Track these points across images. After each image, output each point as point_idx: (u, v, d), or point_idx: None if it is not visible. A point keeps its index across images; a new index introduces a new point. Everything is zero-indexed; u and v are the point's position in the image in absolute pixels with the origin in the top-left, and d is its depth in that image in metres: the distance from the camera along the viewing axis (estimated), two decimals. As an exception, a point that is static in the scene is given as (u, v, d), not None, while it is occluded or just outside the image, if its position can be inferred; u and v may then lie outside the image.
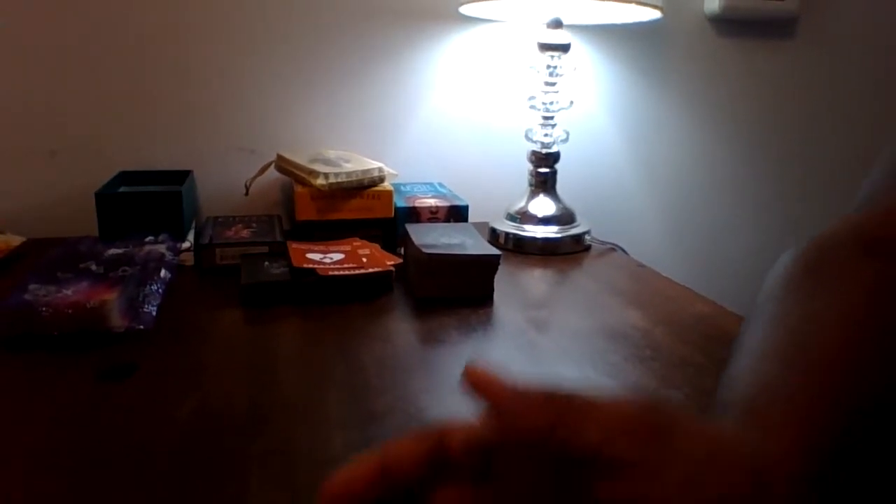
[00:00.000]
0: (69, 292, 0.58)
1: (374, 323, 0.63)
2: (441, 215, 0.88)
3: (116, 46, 0.91)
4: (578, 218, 0.95)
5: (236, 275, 0.71)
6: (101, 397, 0.48)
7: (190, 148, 0.96)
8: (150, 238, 0.74)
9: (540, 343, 0.60)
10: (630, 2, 0.86)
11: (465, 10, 0.95)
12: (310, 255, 0.73)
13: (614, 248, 0.93)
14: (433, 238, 0.73)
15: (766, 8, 1.12)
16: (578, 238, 0.92)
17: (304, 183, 0.85)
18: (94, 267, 0.65)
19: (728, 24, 1.13)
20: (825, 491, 0.28)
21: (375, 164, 0.88)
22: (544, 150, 0.94)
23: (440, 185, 1.01)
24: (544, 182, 0.95)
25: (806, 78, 1.18)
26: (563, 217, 0.93)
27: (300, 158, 0.88)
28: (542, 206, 0.94)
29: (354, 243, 0.79)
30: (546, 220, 0.92)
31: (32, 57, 0.89)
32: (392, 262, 0.73)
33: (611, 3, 0.86)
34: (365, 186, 0.85)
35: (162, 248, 0.72)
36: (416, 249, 0.69)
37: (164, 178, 0.90)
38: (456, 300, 0.68)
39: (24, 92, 0.90)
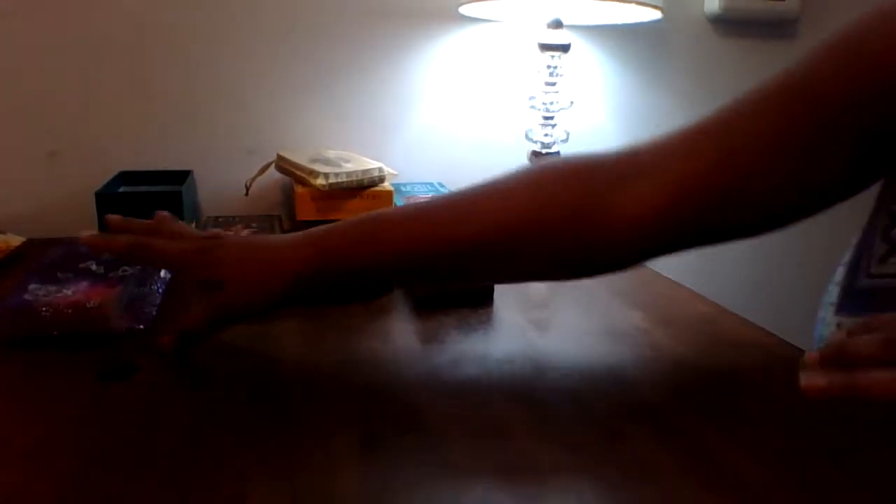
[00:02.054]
0: (69, 292, 0.58)
1: (374, 323, 0.63)
2: (441, 215, 0.87)
3: (117, 46, 0.91)
4: (578, 218, 0.95)
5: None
6: (101, 397, 0.48)
7: (190, 148, 0.96)
8: None
9: (540, 343, 0.60)
10: (630, 2, 0.86)
11: (465, 10, 0.95)
12: (310, 255, 0.73)
13: (614, 249, 0.93)
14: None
15: (766, 8, 1.11)
16: (578, 238, 0.92)
17: (304, 183, 0.85)
18: (94, 267, 0.65)
19: (728, 24, 1.13)
20: (317, 280, 0.52)
21: (375, 164, 0.88)
22: (544, 150, 0.94)
23: (440, 185, 1.01)
24: (544, 182, 0.94)
25: (806, 78, 1.18)
26: (564, 217, 0.93)
27: (300, 158, 0.88)
28: (543, 206, 0.93)
29: (354, 243, 0.79)
30: (546, 221, 0.92)
31: (32, 57, 0.89)
32: (392, 262, 0.73)
33: (611, 3, 0.86)
34: (365, 186, 0.85)
35: None
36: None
37: (164, 178, 0.90)
38: (456, 300, 0.68)
39: (24, 92, 0.90)
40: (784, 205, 0.50)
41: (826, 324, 0.52)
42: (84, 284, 0.60)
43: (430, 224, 0.52)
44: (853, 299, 0.49)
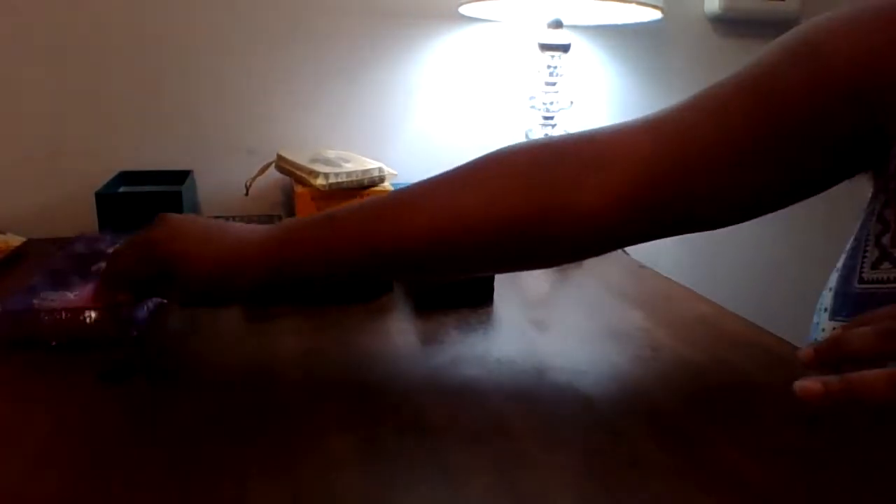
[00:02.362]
0: (72, 296, 0.58)
1: (374, 323, 0.63)
2: (441, 215, 0.87)
3: (117, 46, 0.91)
4: (578, 218, 0.95)
5: (236, 275, 0.70)
6: (101, 398, 0.48)
7: (190, 148, 0.96)
8: None
9: (540, 343, 0.60)
10: (630, 2, 0.86)
11: (464, 10, 0.95)
12: (310, 255, 0.73)
13: (614, 249, 0.93)
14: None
15: (767, 8, 1.12)
16: (578, 238, 0.92)
17: (304, 183, 0.85)
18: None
19: (728, 24, 1.13)
20: (278, 281, 0.51)
21: (375, 164, 0.88)
22: (544, 150, 0.94)
23: (440, 185, 1.01)
24: (544, 182, 0.94)
25: (806, 78, 1.18)
26: (564, 217, 0.93)
27: (300, 158, 0.88)
28: (543, 206, 0.93)
29: (354, 243, 0.79)
30: (546, 221, 0.92)
31: (32, 57, 0.89)
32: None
33: (611, 3, 0.86)
34: (365, 186, 0.85)
35: None
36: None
37: (164, 178, 0.90)
38: (456, 300, 0.68)
39: (24, 92, 0.90)
40: (746, 202, 0.50)
41: (821, 329, 0.52)
42: (90, 288, 0.60)
43: (384, 221, 0.51)
44: (847, 305, 0.49)
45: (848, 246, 0.52)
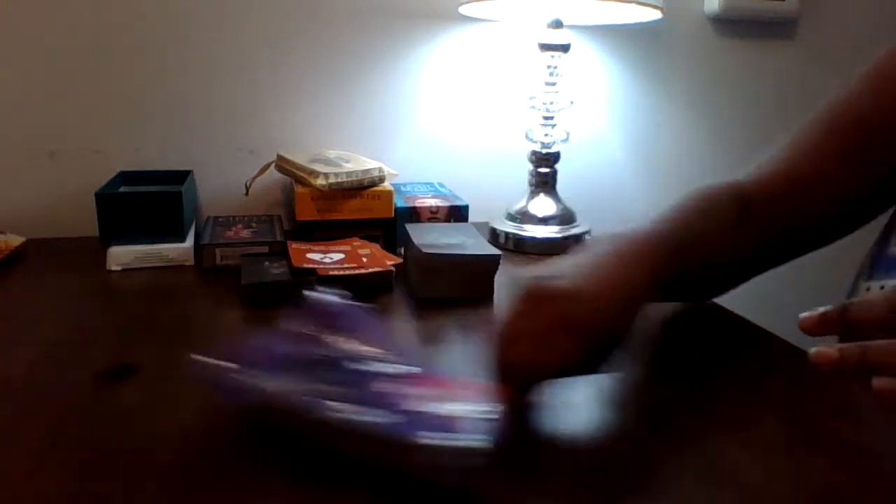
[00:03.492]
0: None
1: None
2: (441, 215, 0.88)
3: (116, 46, 0.91)
4: (578, 218, 0.95)
5: (236, 275, 0.71)
6: (101, 398, 0.48)
7: (190, 148, 0.96)
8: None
9: (540, 343, 0.60)
10: (630, 2, 0.86)
11: (464, 10, 0.95)
12: (310, 255, 0.73)
13: (614, 248, 0.93)
14: (433, 238, 0.73)
15: (766, 8, 1.12)
16: (578, 238, 0.92)
17: (304, 183, 0.85)
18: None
19: (728, 24, 1.13)
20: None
21: (375, 164, 0.88)
22: (544, 150, 0.94)
23: (440, 185, 1.01)
24: (544, 182, 0.95)
25: (806, 78, 1.18)
26: (563, 217, 0.93)
27: (300, 158, 0.88)
28: (543, 205, 0.94)
29: (354, 243, 0.79)
30: (546, 220, 0.92)
31: (32, 57, 0.89)
32: (392, 262, 0.73)
33: (611, 3, 0.86)
34: (365, 186, 0.85)
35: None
36: (416, 249, 0.69)
37: (164, 178, 0.90)
38: (456, 300, 0.68)
39: (24, 92, 0.90)
40: (837, 229, 0.60)
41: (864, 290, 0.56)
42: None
43: None
44: (883, 265, 0.54)
45: (885, 221, 0.59)
